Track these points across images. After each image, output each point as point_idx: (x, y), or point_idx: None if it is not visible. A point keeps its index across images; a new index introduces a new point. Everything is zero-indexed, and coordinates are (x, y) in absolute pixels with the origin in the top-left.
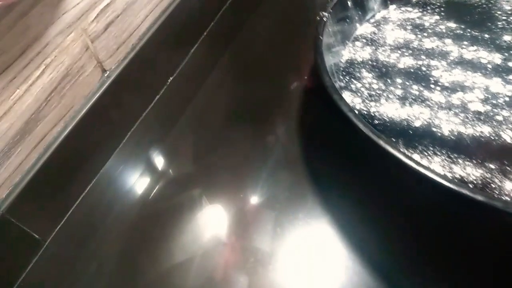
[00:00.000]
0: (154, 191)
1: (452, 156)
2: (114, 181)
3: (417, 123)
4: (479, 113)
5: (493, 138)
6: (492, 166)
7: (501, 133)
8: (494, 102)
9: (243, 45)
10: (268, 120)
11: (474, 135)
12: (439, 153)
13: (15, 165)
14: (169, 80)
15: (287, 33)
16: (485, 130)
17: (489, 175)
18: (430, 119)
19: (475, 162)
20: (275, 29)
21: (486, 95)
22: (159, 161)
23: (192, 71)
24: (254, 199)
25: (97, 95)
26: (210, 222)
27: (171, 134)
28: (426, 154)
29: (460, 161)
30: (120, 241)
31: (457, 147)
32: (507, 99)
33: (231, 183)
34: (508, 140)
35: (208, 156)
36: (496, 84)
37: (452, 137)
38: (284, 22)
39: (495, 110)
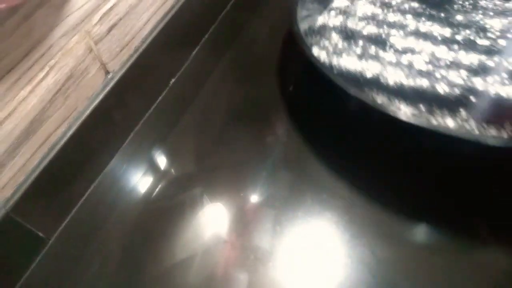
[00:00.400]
0: (157, 190)
1: (391, 99)
2: (117, 181)
3: (368, 74)
4: (421, 71)
5: (428, 89)
6: (422, 108)
7: (436, 85)
8: (436, 63)
9: (244, 47)
10: (268, 120)
11: (413, 86)
12: (381, 96)
13: (20, 164)
14: (171, 82)
15: (287, 35)
16: (424, 83)
17: (419, 113)
18: (379, 72)
19: (409, 104)
20: (275, 31)
21: (431, 58)
22: (161, 160)
23: (193, 72)
24: (254, 198)
25: (101, 96)
26: (211, 220)
27: (173, 134)
28: (369, 96)
29: (397, 102)
30: (122, 240)
31: (397, 93)
32: (447, 62)
33: (231, 182)
34: (440, 91)
35: (209, 156)
36: (441, 51)
37: (395, 86)
38: (284, 24)
39: (435, 69)
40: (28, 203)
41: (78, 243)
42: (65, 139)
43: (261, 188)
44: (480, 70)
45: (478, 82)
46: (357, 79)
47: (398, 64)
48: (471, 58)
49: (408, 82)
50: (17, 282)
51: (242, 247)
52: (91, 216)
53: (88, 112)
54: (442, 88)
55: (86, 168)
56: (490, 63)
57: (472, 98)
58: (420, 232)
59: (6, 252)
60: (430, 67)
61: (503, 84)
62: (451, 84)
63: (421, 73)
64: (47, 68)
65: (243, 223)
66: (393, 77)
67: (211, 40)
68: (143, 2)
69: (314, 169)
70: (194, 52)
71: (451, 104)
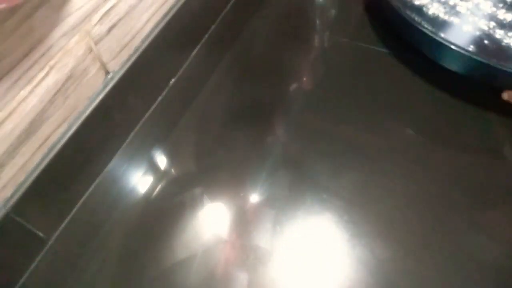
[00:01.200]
0: (157, 190)
1: (422, 24)
2: (117, 181)
3: (416, 2)
4: (459, 12)
5: (455, 25)
6: (442, 36)
7: (463, 25)
8: (475, 12)
9: (243, 48)
10: (268, 120)
11: (445, 19)
12: (421, 24)
13: (20, 165)
14: (171, 82)
15: (287, 35)
16: (455, 20)
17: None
18: (425, 4)
19: (434, 34)
20: (275, 31)
21: (474, 7)
22: (162, 160)
23: (193, 72)
24: (254, 198)
25: (101, 96)
26: (211, 220)
27: (173, 134)
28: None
29: (426, 29)
30: (123, 239)
31: (429, 21)
32: (484, 13)
33: (231, 182)
34: (463, 29)
35: (209, 155)
36: (486, 5)
37: (431, 16)
38: (284, 25)
39: (471, 15)
40: (28, 203)
41: (78, 243)
42: (65, 139)
43: (261, 188)
44: (508, 26)
45: (499, 33)
46: (406, 3)
47: (445, 3)
48: (507, 16)
49: (444, 16)
50: (17, 282)
51: (242, 247)
52: (91, 216)
53: (88, 112)
54: (467, 28)
55: (86, 168)
56: None
57: (486, 42)
58: (419, 232)
59: (6, 252)
60: (468, 12)
61: None
62: (476, 28)
63: (457, 14)
64: (47, 68)
65: (243, 223)
66: (434, 10)
67: (211, 40)
68: (143, 2)
69: (314, 169)
70: (194, 52)
71: (465, 40)
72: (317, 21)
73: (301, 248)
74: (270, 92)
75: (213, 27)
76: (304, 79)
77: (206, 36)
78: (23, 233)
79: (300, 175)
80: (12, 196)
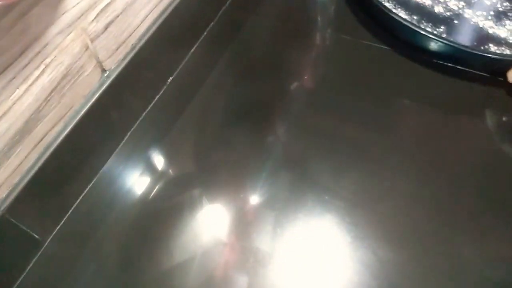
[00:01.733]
0: (154, 191)
1: (396, 6)
2: (114, 181)
3: None
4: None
5: (428, 6)
6: (414, 17)
7: (435, 6)
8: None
9: (242, 45)
10: (268, 120)
11: (418, 1)
12: (389, 3)
13: (15, 165)
14: (169, 80)
15: (287, 33)
16: (427, 2)
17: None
18: None
19: (406, 13)
20: (275, 29)
21: None
22: (159, 161)
23: (192, 71)
24: (254, 199)
25: (97, 95)
26: (210, 222)
27: (171, 134)
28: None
29: (399, 10)
30: (120, 241)
31: (402, 4)
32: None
33: (231, 183)
34: (435, 10)
35: (208, 156)
36: None
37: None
38: (284, 22)
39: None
40: (23, 204)
41: (74, 245)
42: (60, 138)
43: (261, 189)
44: (476, 5)
45: (468, 12)
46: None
47: None
48: None
49: (428, 3)
50: (13, 284)
51: (241, 249)
52: (88, 217)
53: (84, 111)
54: (438, 9)
55: (82, 169)
56: (487, 1)
57: (455, 21)
58: (423, 234)
59: (1, 254)
60: None
61: (486, 19)
62: (447, 9)
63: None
64: (42, 66)
65: (243, 224)
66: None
67: (209, 37)
68: None
69: (315, 169)
70: (192, 50)
71: (437, 21)
72: (318, 18)
73: (302, 251)
74: (270, 90)
75: (212, 24)
76: (305, 76)
77: (205, 33)
78: (18, 235)
79: (301, 176)
80: (7, 197)
